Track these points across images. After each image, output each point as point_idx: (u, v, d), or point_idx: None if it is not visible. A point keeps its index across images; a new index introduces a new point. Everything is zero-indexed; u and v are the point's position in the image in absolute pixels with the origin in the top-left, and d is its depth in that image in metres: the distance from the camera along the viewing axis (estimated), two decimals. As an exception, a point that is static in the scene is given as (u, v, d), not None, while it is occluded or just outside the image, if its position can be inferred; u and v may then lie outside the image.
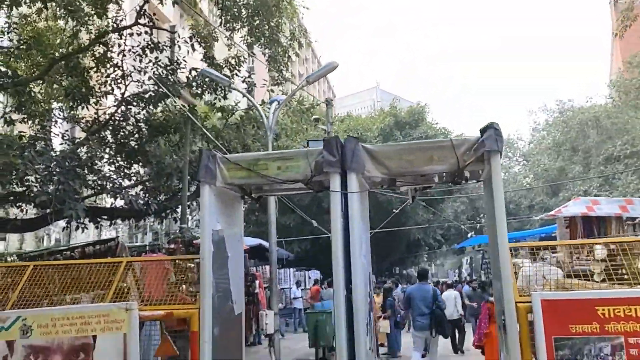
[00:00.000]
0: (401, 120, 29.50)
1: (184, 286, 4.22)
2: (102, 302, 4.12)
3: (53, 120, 14.96)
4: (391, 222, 23.36)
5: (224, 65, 15.03)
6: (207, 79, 14.80)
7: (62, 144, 14.30)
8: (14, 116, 13.31)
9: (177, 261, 4.36)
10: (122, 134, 14.79)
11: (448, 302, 12.85)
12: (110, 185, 13.62)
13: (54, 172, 10.88)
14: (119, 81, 13.87)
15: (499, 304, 4.10)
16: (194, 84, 14.62)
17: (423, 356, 10.17)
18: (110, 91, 14.37)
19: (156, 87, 14.15)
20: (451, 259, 58.07)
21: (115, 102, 14.73)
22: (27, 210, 13.02)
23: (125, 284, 4.20)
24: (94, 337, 3.85)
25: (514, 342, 3.72)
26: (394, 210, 24.92)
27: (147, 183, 15.49)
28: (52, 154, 11.66)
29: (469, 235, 36.66)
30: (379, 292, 14.67)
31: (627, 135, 30.89)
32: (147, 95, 14.38)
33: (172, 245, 8.75)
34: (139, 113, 14.97)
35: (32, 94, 13.62)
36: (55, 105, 15.27)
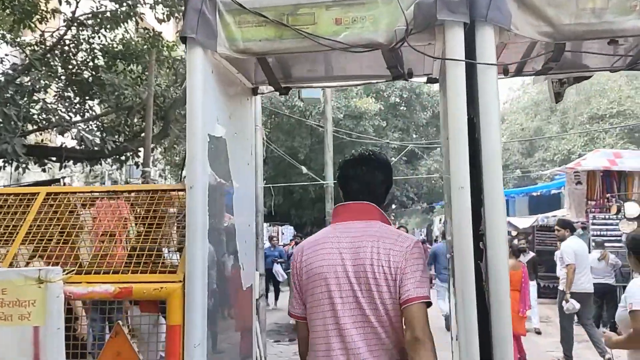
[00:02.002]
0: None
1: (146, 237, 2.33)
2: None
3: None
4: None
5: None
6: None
7: (2, 72, 11.96)
8: None
9: (135, 206, 2.45)
10: (73, 62, 12.55)
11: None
12: (57, 118, 11.41)
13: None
14: (68, -5, 11.57)
15: None
16: (158, 4, 12.42)
17: None
18: (58, 9, 12.06)
19: (114, 5, 11.92)
20: (415, 218, 57.62)
21: (64, 22, 12.40)
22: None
23: (39, 231, 2.27)
24: (-24, 332, 1.97)
25: None
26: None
27: (103, 119, 13.31)
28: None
29: None
30: None
31: (605, 98, 29.99)
32: (103, 16, 12.15)
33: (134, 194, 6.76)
34: (93, 37, 12.73)
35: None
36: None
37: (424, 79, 2.65)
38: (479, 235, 1.95)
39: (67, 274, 2.03)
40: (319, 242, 2.09)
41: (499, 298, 1.87)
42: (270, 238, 17.35)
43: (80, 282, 2.05)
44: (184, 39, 2.09)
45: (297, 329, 2.15)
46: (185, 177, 2.19)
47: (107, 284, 2.01)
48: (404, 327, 1.96)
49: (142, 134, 13.25)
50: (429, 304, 1.94)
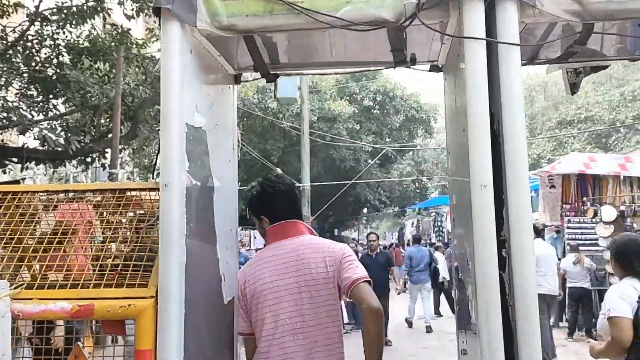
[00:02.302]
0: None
1: (113, 245, 2.00)
2: None
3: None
4: (341, 182, 21.60)
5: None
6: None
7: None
8: None
9: (99, 208, 2.09)
10: (36, 59, 11.98)
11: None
12: (18, 117, 10.82)
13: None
14: (31, -12, 11.05)
15: None
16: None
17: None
18: (21, 2, 11.51)
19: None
20: (387, 222, 57.87)
21: (27, 17, 11.81)
22: None
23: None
24: None
25: None
26: (350, 166, 23.19)
27: (67, 118, 12.73)
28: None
29: (432, 194, 36.08)
30: None
31: (573, 103, 30.61)
32: (68, 11, 11.63)
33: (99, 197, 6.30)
34: (57, 33, 12.19)
35: None
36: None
37: (427, 67, 2.40)
38: (500, 242, 1.69)
39: (14, 288, 1.69)
40: (260, 263, 2.28)
41: (527, 314, 1.61)
42: None
43: (32, 299, 1.71)
44: (157, 11, 1.78)
45: (246, 345, 2.33)
46: (158, 175, 1.87)
47: (64, 301, 1.68)
48: (357, 303, 2.18)
49: (110, 135, 12.73)
50: (369, 283, 2.20)
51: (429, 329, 11.64)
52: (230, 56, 2.27)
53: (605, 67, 2.39)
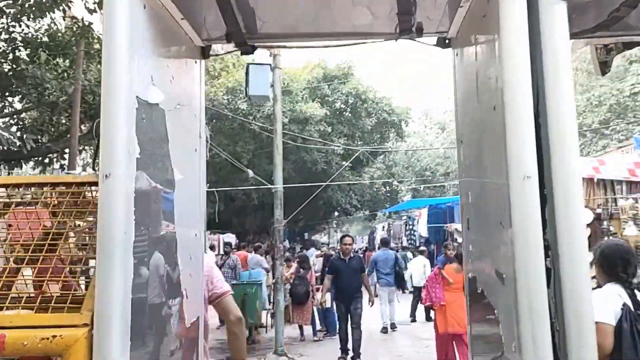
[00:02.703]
0: (329, 73, 27.09)
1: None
2: None
3: None
4: (315, 184, 21.18)
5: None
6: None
7: None
8: None
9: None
10: (-10, 54, 11.29)
11: (416, 269, 13.80)
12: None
13: None
14: (-16, -23, 10.40)
15: None
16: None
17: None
18: (-27, -7, 10.81)
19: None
20: (357, 226, 57.90)
21: (-20, 9, 11.10)
22: None
23: None
24: None
25: None
26: (321, 169, 22.85)
27: (24, 116, 12.01)
28: None
29: (403, 198, 36.09)
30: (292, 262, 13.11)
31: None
32: (25, 3, 10.99)
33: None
34: (14, 26, 11.54)
35: None
36: None
37: (434, 40, 2.02)
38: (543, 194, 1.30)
39: None
40: None
41: (582, 343, 1.24)
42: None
43: None
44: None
45: None
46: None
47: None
48: (223, 313, 2.52)
49: (69, 134, 12.06)
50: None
51: (393, 326, 12.10)
52: (197, 22, 1.85)
53: (640, 44, 2.06)
